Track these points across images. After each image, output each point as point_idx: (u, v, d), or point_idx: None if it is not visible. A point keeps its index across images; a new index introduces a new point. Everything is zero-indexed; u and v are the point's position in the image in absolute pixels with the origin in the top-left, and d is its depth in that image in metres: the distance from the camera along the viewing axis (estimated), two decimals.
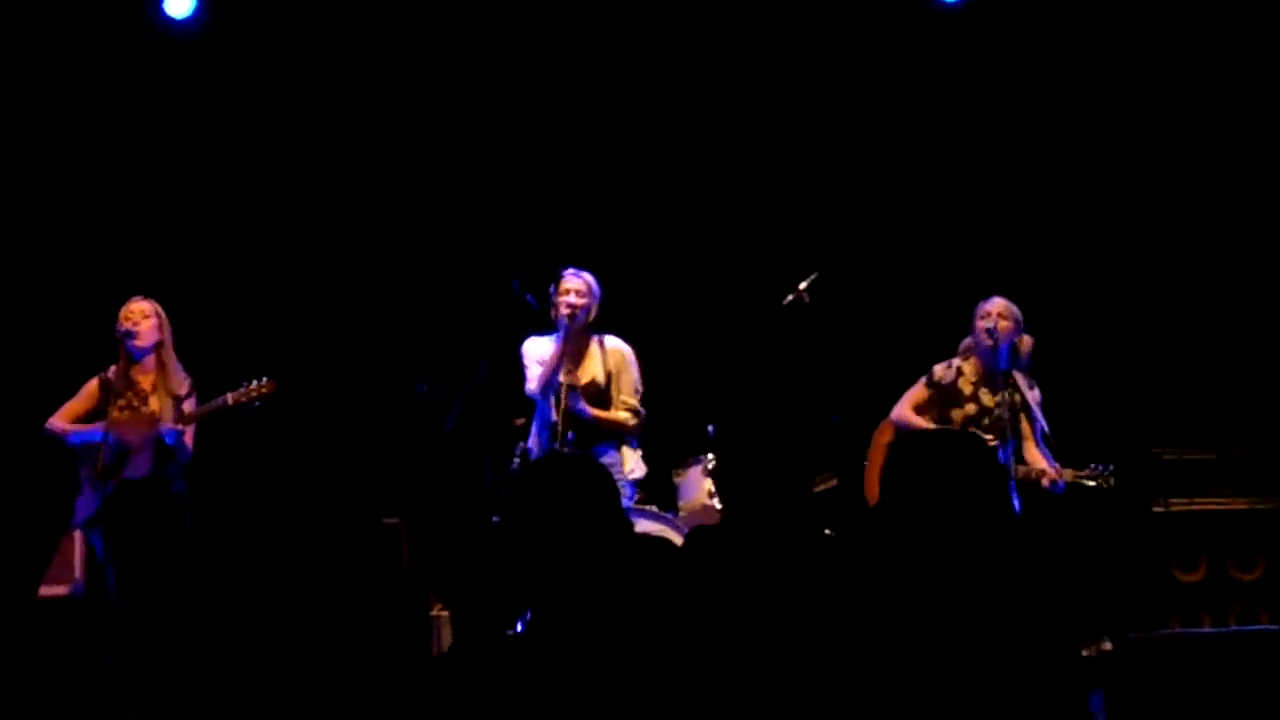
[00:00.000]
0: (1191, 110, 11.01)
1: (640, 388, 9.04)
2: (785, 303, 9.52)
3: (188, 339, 9.04)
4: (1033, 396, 8.70)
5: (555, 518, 3.84)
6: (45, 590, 9.24)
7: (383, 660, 9.64)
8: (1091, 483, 8.59)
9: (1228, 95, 10.98)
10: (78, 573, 9.08)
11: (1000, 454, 8.51)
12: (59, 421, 8.82)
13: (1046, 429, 8.70)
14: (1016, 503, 8.57)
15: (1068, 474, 8.59)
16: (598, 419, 8.88)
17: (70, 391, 8.93)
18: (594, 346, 9.02)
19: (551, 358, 8.90)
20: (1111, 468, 8.61)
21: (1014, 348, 8.72)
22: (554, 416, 8.82)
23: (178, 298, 9.15)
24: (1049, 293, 10.19)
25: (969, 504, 4.02)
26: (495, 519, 9.71)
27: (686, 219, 11.28)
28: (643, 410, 9.02)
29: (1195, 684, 7.05)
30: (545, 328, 9.03)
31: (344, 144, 11.26)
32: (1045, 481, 8.56)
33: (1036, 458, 8.68)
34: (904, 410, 8.92)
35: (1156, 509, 10.09)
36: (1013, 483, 8.55)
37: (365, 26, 11.14)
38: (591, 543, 3.83)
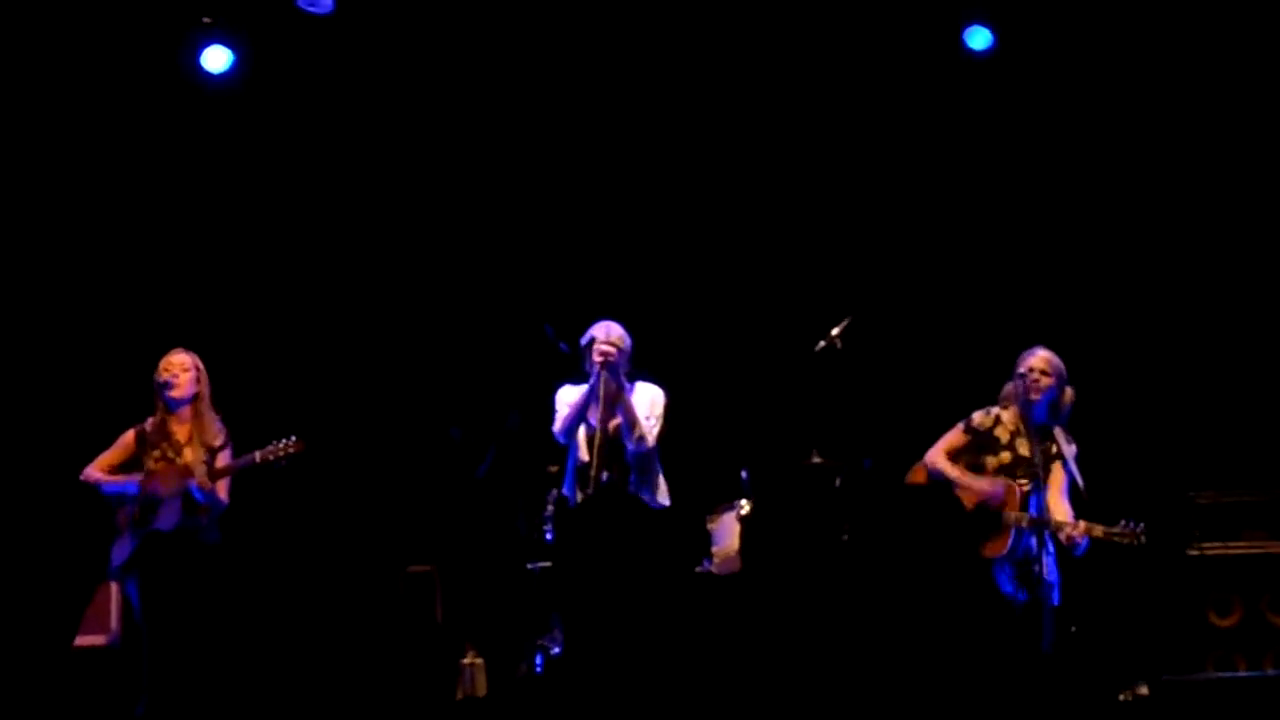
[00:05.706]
0: (1223, 159, 11.01)
1: (662, 423, 8.97)
2: (818, 349, 9.55)
3: (223, 384, 9.08)
4: (1069, 452, 8.58)
5: (598, 556, 3.90)
6: (81, 640, 9.28)
7: (413, 706, 9.64)
8: (1123, 540, 8.42)
9: (1263, 143, 10.97)
10: (114, 623, 9.12)
11: (1033, 502, 8.42)
12: (94, 471, 8.84)
13: (1080, 482, 8.53)
14: (1051, 548, 8.46)
15: (1098, 530, 8.38)
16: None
17: (107, 440, 8.97)
18: (625, 395, 9.00)
19: (577, 401, 8.93)
20: (1142, 525, 8.41)
21: (1053, 402, 8.62)
22: (584, 458, 8.82)
23: (213, 345, 9.20)
24: (1084, 335, 10.17)
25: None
26: (530, 566, 9.75)
27: (719, 266, 11.32)
28: (655, 439, 8.93)
29: None
30: (579, 375, 9.06)
31: (378, 195, 11.34)
32: (1063, 538, 8.38)
33: (1060, 509, 8.53)
34: (937, 455, 8.82)
35: (1191, 552, 10.06)
36: (1048, 532, 8.41)
37: (398, 80, 11.22)
38: (633, 578, 3.88)
